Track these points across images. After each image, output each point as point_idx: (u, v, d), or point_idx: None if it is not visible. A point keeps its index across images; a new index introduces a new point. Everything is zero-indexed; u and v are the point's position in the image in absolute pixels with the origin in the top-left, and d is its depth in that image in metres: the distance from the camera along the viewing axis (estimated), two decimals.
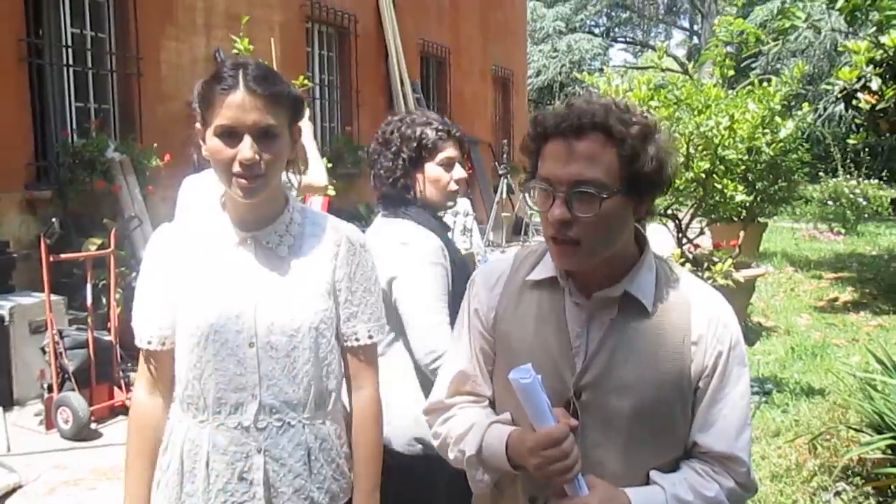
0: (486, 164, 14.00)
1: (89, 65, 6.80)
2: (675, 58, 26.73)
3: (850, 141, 6.96)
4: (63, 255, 4.73)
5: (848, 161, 15.21)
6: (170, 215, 4.30)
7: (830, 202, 13.90)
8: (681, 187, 4.90)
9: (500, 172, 12.54)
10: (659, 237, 1.40)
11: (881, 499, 3.41)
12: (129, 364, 4.81)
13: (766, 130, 4.84)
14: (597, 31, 30.85)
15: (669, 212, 5.44)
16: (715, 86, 4.93)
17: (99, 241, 5.66)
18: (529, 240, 12.61)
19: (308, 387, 1.56)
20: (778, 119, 4.89)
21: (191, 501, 1.56)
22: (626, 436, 1.34)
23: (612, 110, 1.26)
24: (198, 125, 1.52)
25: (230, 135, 1.45)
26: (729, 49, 5.74)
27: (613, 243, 1.31)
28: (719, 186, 4.79)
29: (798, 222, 14.35)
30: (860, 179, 14.12)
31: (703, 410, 1.36)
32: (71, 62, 6.60)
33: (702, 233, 5.93)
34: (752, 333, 6.52)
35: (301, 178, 1.66)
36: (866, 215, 13.76)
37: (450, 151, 2.14)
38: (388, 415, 1.72)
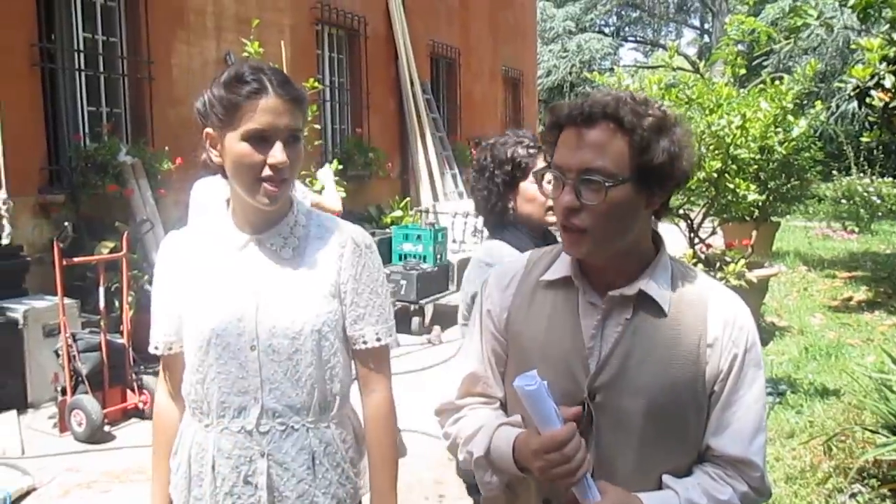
0: None
1: (101, 69, 6.85)
2: (686, 57, 26.62)
3: (864, 139, 6.89)
4: (76, 259, 4.76)
5: (861, 159, 15.12)
6: (182, 218, 4.33)
7: (844, 200, 13.82)
8: (692, 187, 4.88)
9: None
10: (670, 237, 1.39)
11: None
12: (142, 367, 4.83)
13: (779, 129, 4.81)
14: (607, 30, 30.75)
15: (681, 211, 5.41)
16: (726, 85, 4.91)
17: (111, 245, 5.70)
18: None
19: (311, 390, 1.55)
20: (790, 117, 4.86)
21: None
22: (640, 437, 1.32)
23: (625, 101, 1.26)
24: (209, 130, 1.50)
25: (261, 139, 1.44)
26: (740, 47, 5.71)
27: (623, 234, 1.30)
28: (731, 186, 4.76)
29: (811, 221, 14.27)
30: (874, 177, 14.04)
31: (717, 413, 1.34)
32: (83, 66, 6.65)
33: (714, 232, 5.90)
34: (766, 333, 6.48)
35: (313, 197, 1.67)
36: (880, 213, 13.67)
37: (541, 165, 2.16)
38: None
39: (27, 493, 3.77)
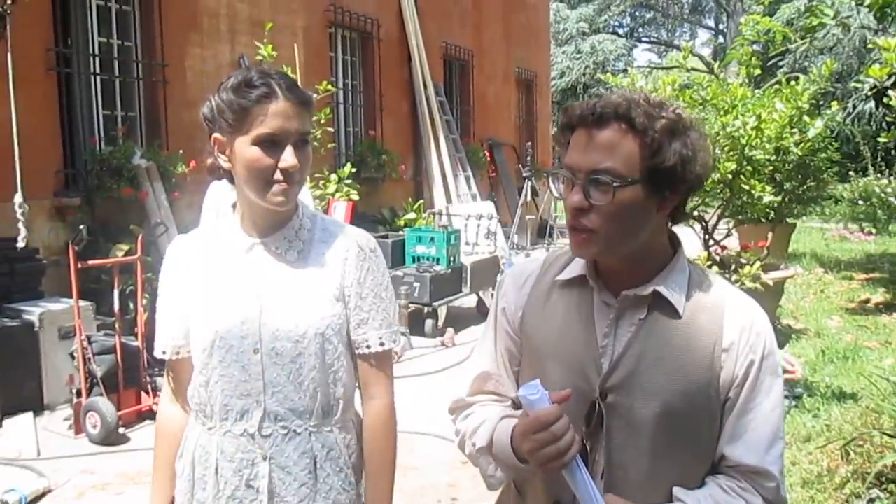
0: (510, 167, 13.97)
1: (116, 73, 6.91)
2: (701, 57, 26.48)
3: (881, 139, 6.82)
4: (91, 262, 4.79)
5: (878, 160, 14.98)
6: (196, 221, 4.35)
7: (861, 202, 13.68)
8: (707, 188, 4.84)
9: (525, 175, 12.49)
10: (685, 239, 1.36)
11: None
12: (156, 369, 4.85)
13: (794, 130, 4.77)
14: (621, 31, 30.68)
15: (696, 213, 5.38)
16: (741, 85, 4.88)
17: (126, 248, 5.74)
18: (554, 242, 12.55)
19: (314, 394, 1.54)
20: (806, 118, 4.82)
21: None
22: (651, 441, 1.30)
23: (638, 103, 1.25)
24: (217, 135, 1.50)
25: (272, 143, 1.46)
26: (755, 48, 5.66)
27: (632, 236, 1.29)
28: (746, 187, 4.73)
29: (827, 222, 14.15)
30: (891, 178, 13.88)
31: (731, 421, 1.32)
32: (98, 70, 6.71)
33: (729, 234, 5.85)
34: (782, 336, 6.42)
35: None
36: None
37: None
38: None
39: (42, 495, 3.80)
